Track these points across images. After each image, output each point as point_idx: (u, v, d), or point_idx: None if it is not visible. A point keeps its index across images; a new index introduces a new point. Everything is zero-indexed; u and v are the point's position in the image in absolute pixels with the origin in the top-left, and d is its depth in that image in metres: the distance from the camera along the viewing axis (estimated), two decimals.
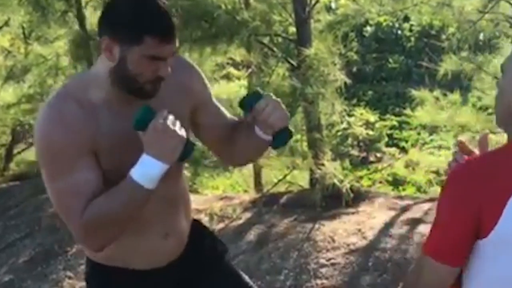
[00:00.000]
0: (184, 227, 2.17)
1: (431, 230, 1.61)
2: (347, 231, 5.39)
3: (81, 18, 7.42)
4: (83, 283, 2.36)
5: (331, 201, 5.93)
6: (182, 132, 1.80)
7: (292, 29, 8.07)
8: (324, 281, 4.79)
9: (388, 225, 5.41)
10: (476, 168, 1.57)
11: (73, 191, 1.79)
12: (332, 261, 5.01)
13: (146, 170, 1.77)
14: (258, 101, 1.91)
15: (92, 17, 7.57)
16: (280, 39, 8.31)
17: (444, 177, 10.90)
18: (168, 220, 2.07)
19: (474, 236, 1.54)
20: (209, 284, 2.27)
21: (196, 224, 2.31)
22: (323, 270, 4.90)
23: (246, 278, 2.36)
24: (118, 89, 1.85)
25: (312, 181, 6.39)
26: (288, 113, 1.93)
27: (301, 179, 7.97)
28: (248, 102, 1.94)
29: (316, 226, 5.55)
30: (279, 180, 7.41)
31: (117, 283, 2.11)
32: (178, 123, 1.81)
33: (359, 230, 5.38)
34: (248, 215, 6.03)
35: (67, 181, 1.79)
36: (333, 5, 11.55)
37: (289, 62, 7.41)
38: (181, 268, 2.18)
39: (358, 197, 6.09)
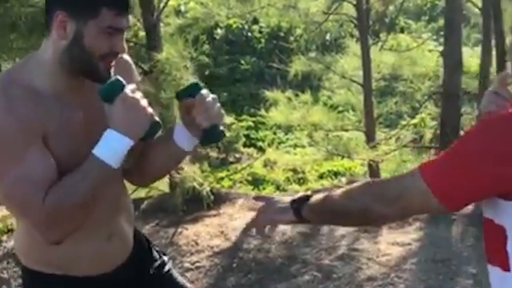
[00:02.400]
0: (128, 231, 2.07)
1: (444, 160, 1.51)
2: (210, 233, 5.40)
3: None
4: None
5: (192, 205, 5.93)
6: (150, 109, 1.74)
7: (142, 33, 8.00)
8: (190, 285, 4.78)
9: None
10: None
11: (29, 180, 1.67)
12: (197, 264, 5.01)
13: (111, 145, 1.69)
14: (200, 91, 1.84)
15: None
16: (130, 44, 8.22)
17: (301, 175, 11.22)
18: (111, 222, 1.97)
19: (489, 196, 1.47)
20: None
21: (138, 232, 2.22)
22: (188, 274, 4.89)
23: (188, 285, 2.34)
24: (68, 73, 1.75)
25: (172, 185, 6.36)
26: None
27: (161, 183, 7.90)
28: (189, 91, 1.85)
29: (179, 230, 5.53)
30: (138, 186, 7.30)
31: None
32: (145, 100, 1.74)
33: (222, 232, 5.41)
34: None
35: (21, 170, 1.66)
36: (182, 9, 11.55)
37: (140, 67, 7.32)
38: (128, 273, 2.07)
39: (219, 199, 6.13)
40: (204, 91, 1.85)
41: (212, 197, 5.98)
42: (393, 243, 4.85)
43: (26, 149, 1.67)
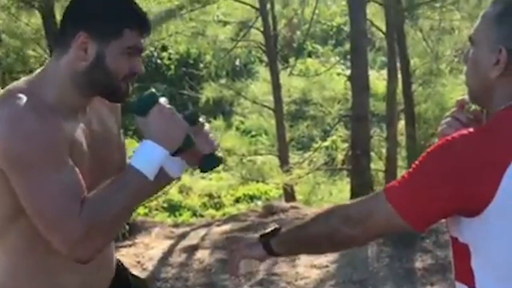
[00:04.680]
0: (112, 260, 1.99)
1: (407, 181, 1.51)
2: (126, 264, 5.30)
3: None
4: None
5: None
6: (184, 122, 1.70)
7: None
8: None
9: (167, 254, 5.42)
10: (479, 144, 1.46)
11: (66, 191, 1.57)
12: None
13: (149, 156, 1.63)
14: (199, 118, 1.80)
15: None
16: None
17: (217, 200, 11.23)
18: (102, 253, 1.83)
19: (453, 213, 1.50)
20: None
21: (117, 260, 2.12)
22: None
23: None
24: (80, 93, 1.68)
25: None
26: None
27: None
28: (190, 119, 1.76)
29: None
30: None
31: None
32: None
33: (138, 262, 5.32)
34: None
35: (59, 180, 1.57)
36: None
37: None
38: None
39: (134, 228, 6.04)
40: (203, 119, 1.82)
41: (127, 226, 5.88)
42: (311, 265, 4.89)
43: (63, 159, 1.60)
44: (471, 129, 1.51)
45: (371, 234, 1.63)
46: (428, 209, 1.49)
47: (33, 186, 1.58)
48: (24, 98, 1.60)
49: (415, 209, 1.50)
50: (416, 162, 1.52)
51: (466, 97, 1.65)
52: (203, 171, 1.88)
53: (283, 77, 9.80)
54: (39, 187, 1.57)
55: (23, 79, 1.72)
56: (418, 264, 4.83)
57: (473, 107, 1.69)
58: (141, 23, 1.69)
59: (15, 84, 1.70)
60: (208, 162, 1.84)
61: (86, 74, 1.66)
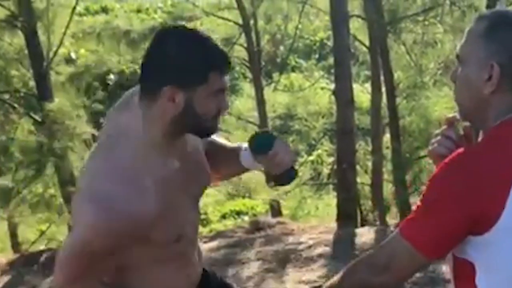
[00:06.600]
0: (199, 266, 2.07)
1: (417, 214, 1.52)
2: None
3: None
4: None
5: None
6: None
7: (32, 83, 7.85)
8: None
9: None
10: (481, 162, 1.46)
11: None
12: None
13: None
14: (272, 143, 1.86)
15: None
16: (21, 94, 8.05)
17: (203, 216, 11.20)
18: (192, 260, 1.99)
19: (466, 235, 1.48)
20: None
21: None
22: None
23: None
24: (170, 138, 1.73)
25: None
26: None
27: (61, 234, 7.68)
28: (264, 145, 1.87)
29: None
30: (37, 238, 7.11)
31: None
32: None
33: None
34: (6, 278, 5.66)
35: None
36: (73, 56, 11.38)
37: (32, 118, 7.16)
38: None
39: None
40: (277, 145, 1.87)
41: None
42: (299, 281, 4.86)
43: (92, 269, 1.72)
44: (469, 148, 1.51)
45: (400, 276, 1.60)
46: (442, 235, 1.49)
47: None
48: (119, 182, 1.67)
49: (429, 238, 1.49)
50: (423, 193, 1.51)
51: (456, 114, 1.63)
52: (280, 185, 1.97)
53: (267, 92, 9.81)
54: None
55: (129, 144, 1.72)
56: None
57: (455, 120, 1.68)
58: (223, 63, 1.71)
59: (117, 153, 1.72)
60: (279, 181, 1.92)
61: (177, 121, 1.70)
